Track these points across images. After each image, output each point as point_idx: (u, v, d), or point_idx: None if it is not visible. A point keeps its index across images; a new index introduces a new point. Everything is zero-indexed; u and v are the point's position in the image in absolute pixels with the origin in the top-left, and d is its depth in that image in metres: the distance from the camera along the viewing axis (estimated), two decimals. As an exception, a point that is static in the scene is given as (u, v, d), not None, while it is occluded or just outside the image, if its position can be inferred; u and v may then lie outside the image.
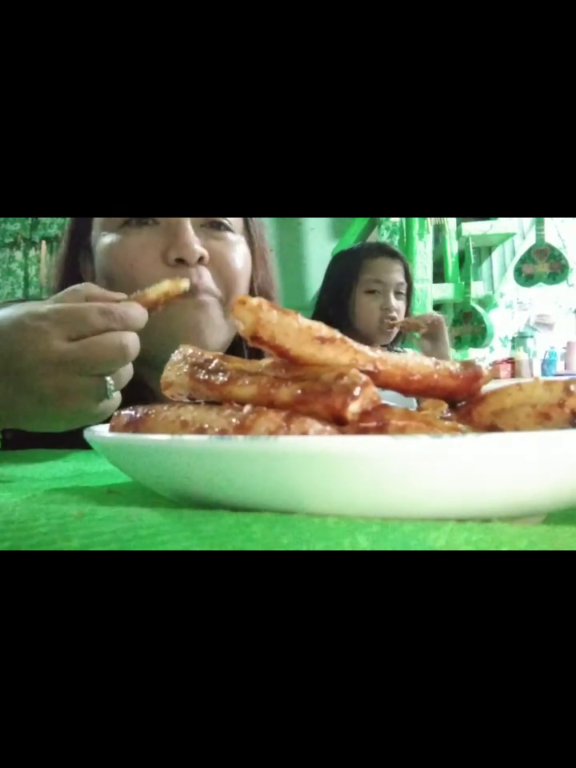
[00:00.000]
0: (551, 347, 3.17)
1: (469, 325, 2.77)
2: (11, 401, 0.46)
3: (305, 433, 0.26)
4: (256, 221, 0.79)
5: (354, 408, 0.27)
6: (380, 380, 0.30)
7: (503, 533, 0.22)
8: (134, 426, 0.30)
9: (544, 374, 2.98)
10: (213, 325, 0.69)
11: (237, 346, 0.76)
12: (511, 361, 3.05)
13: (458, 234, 3.08)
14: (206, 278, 0.68)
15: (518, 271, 2.72)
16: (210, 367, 0.31)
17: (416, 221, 2.82)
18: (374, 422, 0.27)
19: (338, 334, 0.30)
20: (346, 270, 1.65)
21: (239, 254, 0.73)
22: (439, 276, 3.02)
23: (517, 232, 3.27)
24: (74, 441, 0.46)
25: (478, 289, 3.08)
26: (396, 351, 0.75)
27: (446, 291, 3.02)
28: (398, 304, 1.61)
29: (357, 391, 0.27)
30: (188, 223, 0.67)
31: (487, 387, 0.32)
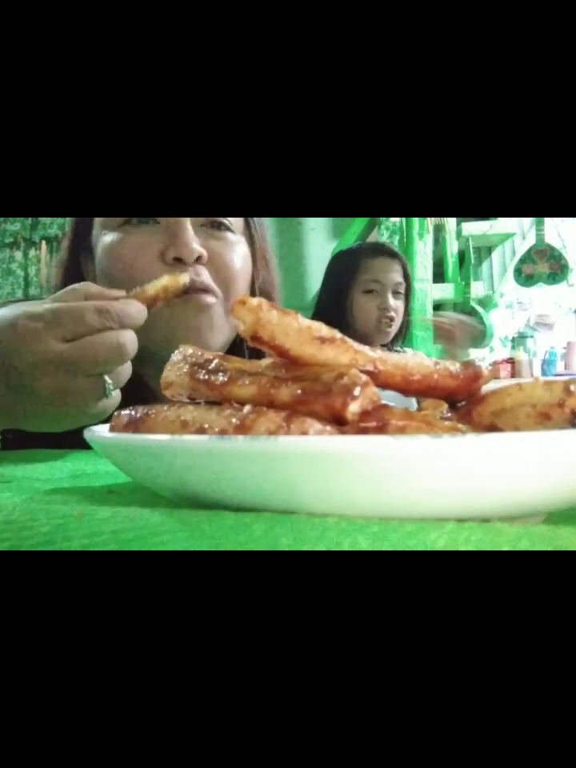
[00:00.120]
0: (551, 347, 3.17)
1: (469, 325, 2.76)
2: (10, 401, 0.46)
3: (305, 433, 0.26)
4: (257, 221, 0.79)
5: (353, 408, 0.27)
6: (380, 380, 0.30)
7: (503, 533, 0.22)
8: (134, 425, 0.30)
9: (544, 374, 2.99)
10: (213, 325, 0.69)
11: (237, 346, 0.76)
12: (511, 361, 3.05)
13: (458, 233, 3.08)
14: (205, 277, 0.68)
15: (518, 271, 2.73)
16: (210, 367, 0.31)
17: (416, 221, 2.82)
18: (374, 422, 0.27)
19: (337, 334, 0.30)
20: (345, 270, 1.65)
21: (238, 255, 0.72)
22: (439, 276, 3.02)
23: (517, 232, 3.27)
24: (74, 441, 0.45)
25: (477, 289, 3.08)
26: (396, 351, 0.76)
27: (446, 291, 3.02)
28: (396, 303, 1.61)
29: (357, 391, 0.27)
30: (187, 223, 0.67)
31: (487, 387, 0.32)
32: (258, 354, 0.36)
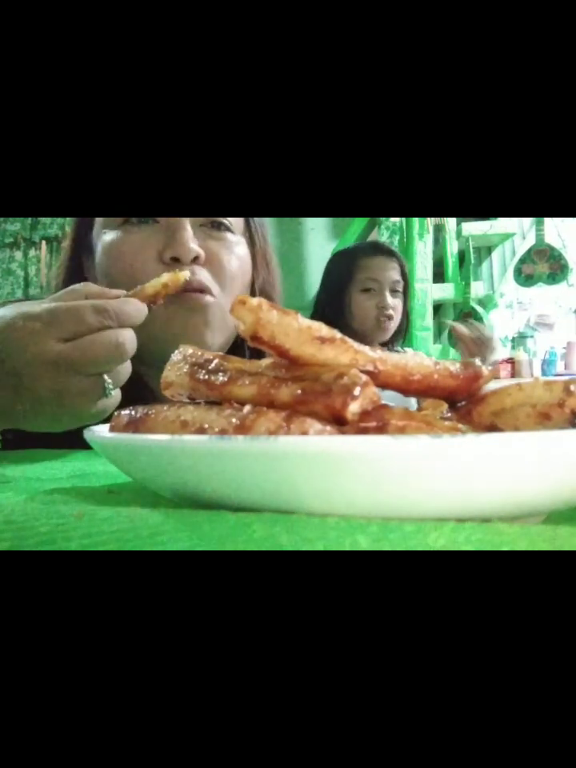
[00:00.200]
0: (551, 347, 3.17)
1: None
2: (9, 402, 0.46)
3: (305, 433, 0.26)
4: (258, 221, 0.78)
5: (353, 408, 0.27)
6: (380, 380, 0.30)
7: (503, 533, 0.22)
8: (134, 425, 0.30)
9: (544, 374, 2.98)
10: (210, 325, 0.68)
11: (237, 346, 0.76)
12: (511, 361, 3.04)
13: (458, 233, 3.08)
14: (202, 277, 0.67)
15: (518, 271, 2.72)
16: (210, 367, 0.31)
17: (416, 221, 2.82)
18: (374, 422, 0.27)
19: (338, 334, 0.30)
20: (343, 270, 1.66)
21: (237, 255, 0.72)
22: (439, 276, 3.02)
23: (517, 232, 3.27)
24: (74, 441, 0.45)
25: (478, 289, 3.08)
26: (396, 351, 0.76)
27: (446, 291, 3.02)
28: (394, 302, 1.61)
29: (357, 391, 0.27)
30: (187, 222, 0.67)
31: (487, 387, 0.32)
32: (258, 354, 0.36)
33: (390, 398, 0.30)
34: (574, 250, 3.09)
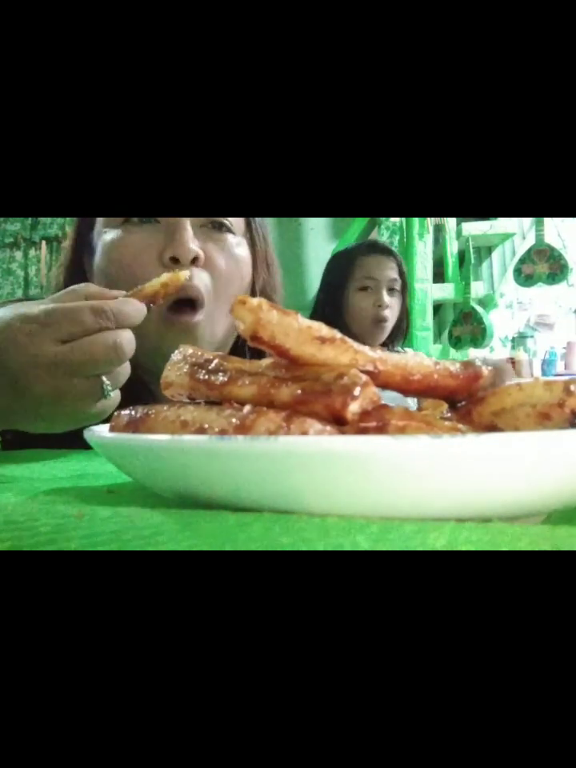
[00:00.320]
0: (551, 347, 3.17)
1: (469, 325, 2.76)
2: (8, 403, 0.46)
3: (305, 433, 0.26)
4: (259, 223, 0.78)
5: (353, 408, 0.27)
6: (380, 380, 0.30)
7: (503, 533, 0.22)
8: (134, 425, 0.30)
9: (544, 374, 2.98)
10: (200, 341, 0.67)
11: (237, 346, 0.76)
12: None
13: (458, 233, 3.08)
14: (200, 279, 0.67)
15: (518, 271, 2.72)
16: (210, 367, 0.31)
17: (416, 221, 2.82)
18: (374, 422, 0.27)
19: (338, 334, 0.30)
20: (341, 269, 1.66)
21: (237, 257, 0.72)
22: (439, 276, 3.02)
23: (517, 232, 3.27)
24: (74, 441, 0.45)
25: (478, 289, 3.08)
26: (396, 351, 0.75)
27: (446, 291, 3.02)
28: (390, 301, 1.61)
29: (357, 391, 0.27)
30: (187, 223, 0.67)
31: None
32: (258, 354, 0.36)
33: (389, 398, 0.30)
34: (574, 249, 3.09)
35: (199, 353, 0.33)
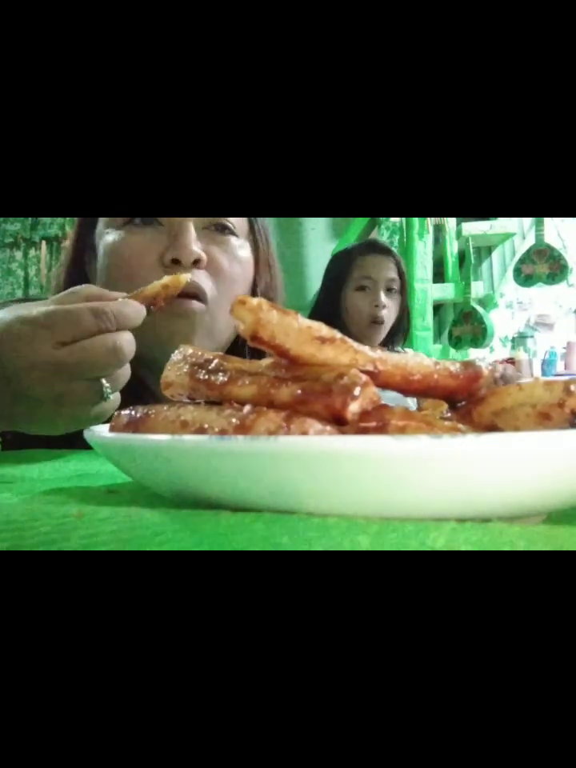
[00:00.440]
0: (551, 347, 3.17)
1: (469, 325, 2.76)
2: (7, 405, 0.46)
3: (305, 433, 0.26)
4: (261, 225, 0.78)
5: (353, 408, 0.27)
6: (380, 380, 0.30)
7: (503, 533, 0.22)
8: (133, 425, 0.30)
9: (544, 374, 2.98)
10: (197, 333, 0.67)
11: (237, 346, 0.76)
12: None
13: (458, 233, 3.08)
14: (201, 281, 0.67)
15: (518, 271, 2.72)
16: (210, 367, 0.31)
17: (416, 221, 2.82)
18: (374, 422, 0.27)
19: (338, 334, 0.30)
20: (339, 269, 1.66)
21: (239, 259, 0.72)
22: (439, 276, 3.02)
23: (517, 232, 3.27)
24: (74, 441, 0.45)
25: (478, 289, 3.08)
26: (396, 351, 0.75)
27: (446, 291, 3.02)
28: (388, 301, 1.61)
29: (357, 391, 0.27)
30: (190, 225, 0.66)
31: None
32: (258, 354, 0.36)
33: (389, 398, 0.30)
34: (574, 249, 3.09)
35: (199, 353, 0.33)
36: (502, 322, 3.24)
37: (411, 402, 1.10)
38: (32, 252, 3.14)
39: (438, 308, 3.18)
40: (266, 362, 0.31)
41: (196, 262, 0.66)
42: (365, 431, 0.27)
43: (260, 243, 0.77)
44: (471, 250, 2.88)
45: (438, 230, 3.00)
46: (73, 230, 0.79)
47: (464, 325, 2.78)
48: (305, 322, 0.29)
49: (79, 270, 0.75)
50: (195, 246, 0.65)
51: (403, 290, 1.66)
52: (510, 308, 3.36)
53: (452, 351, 2.88)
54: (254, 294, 0.75)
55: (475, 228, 3.11)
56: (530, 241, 2.96)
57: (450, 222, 3.03)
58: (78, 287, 0.49)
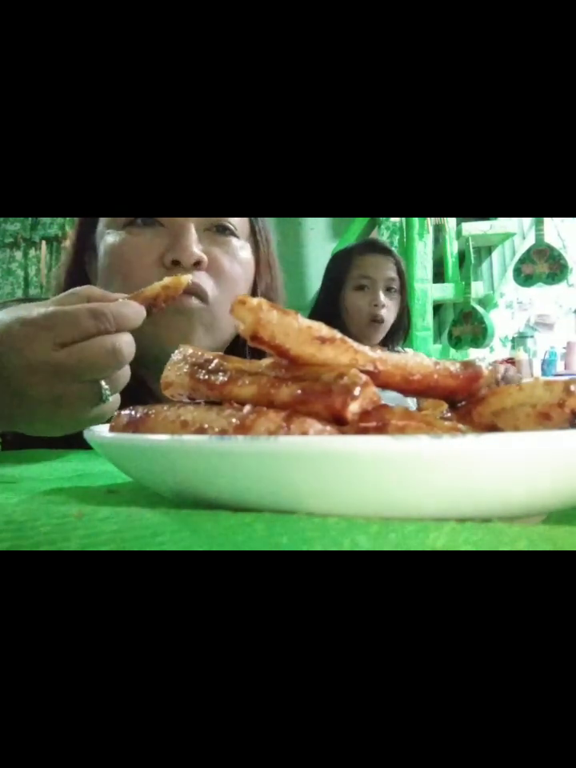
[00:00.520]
0: (551, 347, 3.17)
1: (469, 325, 2.76)
2: (6, 407, 0.45)
3: (305, 433, 0.26)
4: (262, 226, 0.78)
5: (353, 408, 0.27)
6: (380, 380, 0.30)
7: (503, 533, 0.22)
8: (133, 425, 0.30)
9: (544, 374, 2.98)
10: (197, 331, 0.67)
11: (237, 346, 0.76)
12: (511, 361, 3.04)
13: (458, 233, 3.08)
14: (202, 282, 0.66)
15: (518, 271, 2.72)
16: (210, 367, 0.31)
17: (416, 221, 2.82)
18: (374, 422, 0.27)
19: (338, 334, 0.30)
20: (338, 269, 1.66)
21: (240, 261, 0.71)
22: (439, 276, 3.02)
23: (517, 232, 3.27)
24: (74, 441, 0.45)
25: (478, 289, 3.08)
26: (396, 351, 0.75)
27: (446, 291, 3.02)
28: (388, 300, 1.61)
29: (357, 391, 0.27)
30: (191, 226, 0.66)
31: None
32: (258, 354, 0.36)
33: (389, 398, 0.30)
34: (574, 249, 3.09)
35: (199, 353, 0.33)
36: (502, 322, 3.24)
37: (411, 402, 1.10)
38: (32, 252, 3.14)
39: (438, 308, 3.18)
40: (266, 361, 0.31)
41: (197, 264, 0.66)
42: (365, 431, 0.27)
43: (261, 244, 0.76)
44: (471, 250, 2.88)
45: (438, 230, 3.00)
46: (73, 231, 0.79)
47: (464, 325, 2.78)
48: (305, 321, 0.29)
49: (80, 270, 0.75)
50: (196, 248, 0.65)
51: (403, 289, 1.66)
52: (510, 308, 3.36)
53: (452, 351, 2.88)
54: (254, 294, 0.75)
55: (475, 228, 3.11)
56: (530, 241, 2.96)
57: (450, 222, 3.03)
58: (78, 288, 0.49)
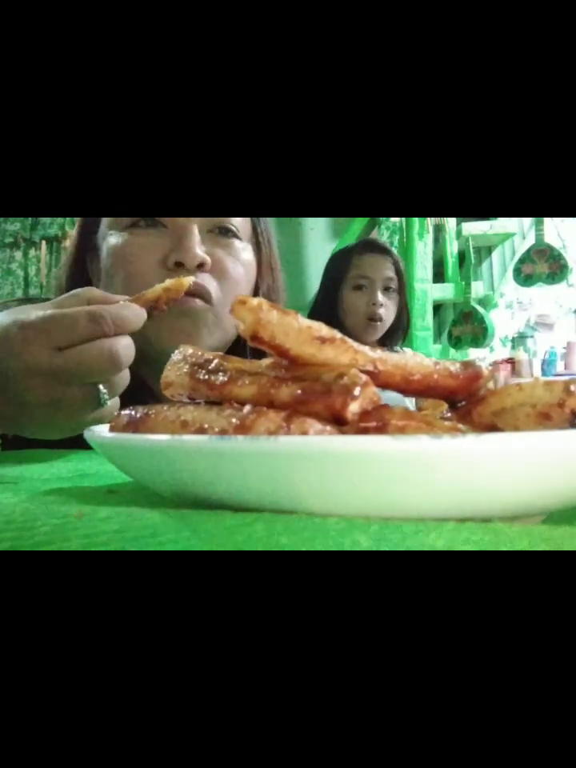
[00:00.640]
0: (551, 347, 3.17)
1: (469, 325, 2.76)
2: (5, 409, 0.45)
3: (305, 433, 0.26)
4: (264, 227, 0.78)
5: (353, 408, 0.27)
6: (380, 380, 0.30)
7: (503, 533, 0.22)
8: (134, 425, 0.30)
9: (544, 374, 2.98)
10: (200, 332, 0.67)
11: (237, 347, 0.76)
12: (511, 361, 3.04)
13: (458, 233, 3.08)
14: (205, 284, 0.66)
15: (518, 271, 2.72)
16: (210, 367, 0.31)
17: (416, 221, 2.82)
18: (374, 422, 0.27)
19: (338, 334, 0.30)
20: (337, 268, 1.66)
21: (242, 262, 0.71)
22: (439, 276, 3.02)
23: (517, 232, 3.27)
24: (74, 441, 0.45)
25: (478, 289, 3.08)
26: (396, 351, 0.75)
27: (446, 291, 3.02)
28: (386, 300, 1.61)
29: (357, 391, 0.27)
30: (194, 228, 0.66)
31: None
32: (258, 354, 0.36)
33: (389, 398, 0.30)
34: (574, 249, 3.09)
35: (199, 353, 0.33)
36: (502, 322, 3.24)
37: (410, 403, 1.10)
38: (32, 252, 3.14)
39: (438, 308, 3.18)
40: (266, 361, 0.31)
41: (200, 266, 0.65)
42: (365, 431, 0.27)
43: (263, 245, 0.76)
44: (471, 250, 2.88)
45: (438, 230, 3.00)
46: (75, 231, 0.78)
47: (464, 325, 2.78)
48: (305, 321, 0.29)
49: (81, 271, 0.75)
50: (199, 250, 0.65)
51: (401, 289, 1.66)
52: (510, 308, 3.36)
53: (452, 351, 2.88)
54: (256, 296, 0.75)
55: (475, 228, 3.11)
56: (530, 241, 2.96)
57: (450, 222, 3.03)
58: (79, 290, 0.49)
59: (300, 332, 0.29)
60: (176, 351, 0.34)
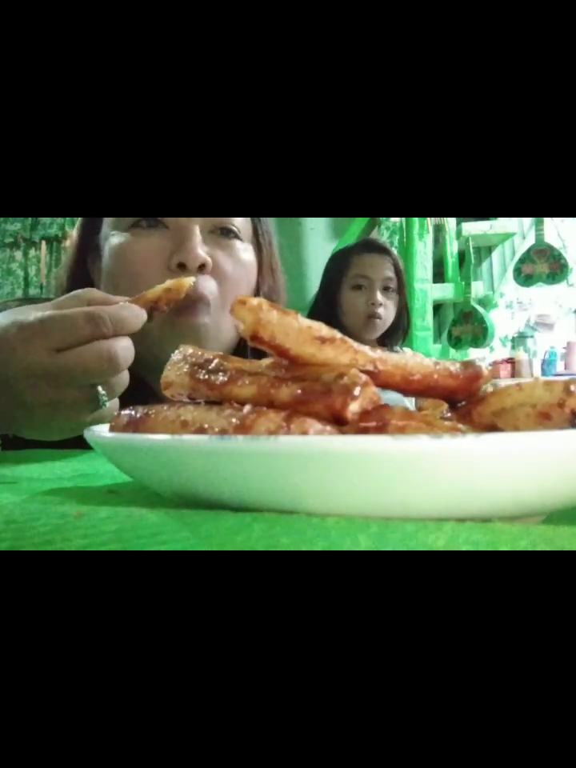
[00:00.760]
0: (551, 347, 3.18)
1: (469, 325, 2.76)
2: (3, 410, 0.45)
3: (305, 433, 0.26)
4: (265, 228, 0.78)
5: (354, 408, 0.27)
6: (380, 380, 0.30)
7: (503, 533, 0.22)
8: (134, 425, 0.30)
9: (544, 374, 2.99)
10: (207, 333, 0.67)
11: (239, 347, 0.76)
12: (511, 361, 3.05)
13: (458, 233, 3.09)
14: (206, 286, 0.66)
15: (518, 271, 2.73)
16: (210, 367, 0.31)
17: (416, 221, 2.82)
18: (374, 422, 0.27)
19: (338, 334, 0.30)
20: (336, 268, 1.66)
21: (243, 263, 0.71)
22: (439, 276, 3.02)
23: (517, 232, 3.27)
24: (74, 441, 0.45)
25: (478, 289, 3.09)
26: (396, 351, 0.75)
27: (446, 291, 3.02)
28: (385, 299, 1.61)
29: (357, 391, 0.27)
30: (196, 229, 0.66)
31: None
32: (258, 354, 0.36)
33: (389, 398, 0.30)
34: (574, 249, 3.10)
35: (199, 353, 0.33)
36: (502, 322, 3.24)
37: (411, 403, 1.11)
38: (32, 252, 3.14)
39: (438, 308, 3.18)
40: (266, 361, 0.31)
41: (201, 267, 0.65)
42: (365, 431, 0.27)
43: (263, 246, 0.76)
44: (471, 250, 2.88)
45: (438, 230, 3.00)
46: (76, 231, 0.78)
47: (464, 325, 2.78)
48: (305, 321, 0.29)
49: (82, 271, 0.75)
50: (201, 250, 0.65)
51: (401, 288, 1.66)
52: (510, 308, 3.36)
53: (452, 351, 2.88)
54: (256, 296, 0.75)
55: (475, 228, 3.11)
56: (530, 241, 2.96)
57: (450, 222, 3.03)
58: (79, 291, 0.49)
59: (300, 332, 0.29)
60: (176, 351, 0.34)
